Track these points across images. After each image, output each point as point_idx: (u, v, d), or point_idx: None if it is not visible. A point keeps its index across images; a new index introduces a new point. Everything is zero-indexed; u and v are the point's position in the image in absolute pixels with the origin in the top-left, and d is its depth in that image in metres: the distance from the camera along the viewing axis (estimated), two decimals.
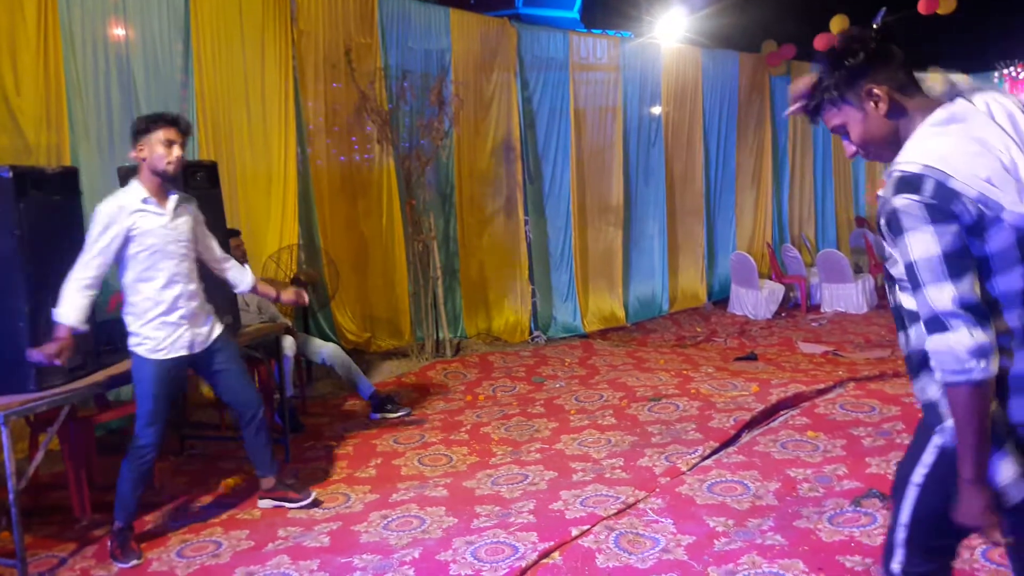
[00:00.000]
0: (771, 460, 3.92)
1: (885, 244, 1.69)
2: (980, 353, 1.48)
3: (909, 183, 1.52)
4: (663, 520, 3.33)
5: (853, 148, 1.76)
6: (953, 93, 1.65)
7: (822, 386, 5.10)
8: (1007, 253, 1.53)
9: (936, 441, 1.69)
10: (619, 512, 3.42)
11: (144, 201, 3.28)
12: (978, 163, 1.52)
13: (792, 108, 1.84)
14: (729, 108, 10.18)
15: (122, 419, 4.81)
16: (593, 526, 3.29)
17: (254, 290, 3.74)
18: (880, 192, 1.68)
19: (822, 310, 9.04)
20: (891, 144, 1.67)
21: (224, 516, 3.77)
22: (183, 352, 3.39)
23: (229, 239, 4.81)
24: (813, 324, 8.32)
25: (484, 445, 4.57)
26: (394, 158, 6.83)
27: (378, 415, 5.19)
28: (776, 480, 3.66)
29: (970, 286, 1.50)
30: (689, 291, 9.67)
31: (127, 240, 3.24)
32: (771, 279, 9.47)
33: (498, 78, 7.62)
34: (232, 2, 5.77)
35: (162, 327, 3.33)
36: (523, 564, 2.99)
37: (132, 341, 3.36)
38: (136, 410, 3.37)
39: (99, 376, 3.65)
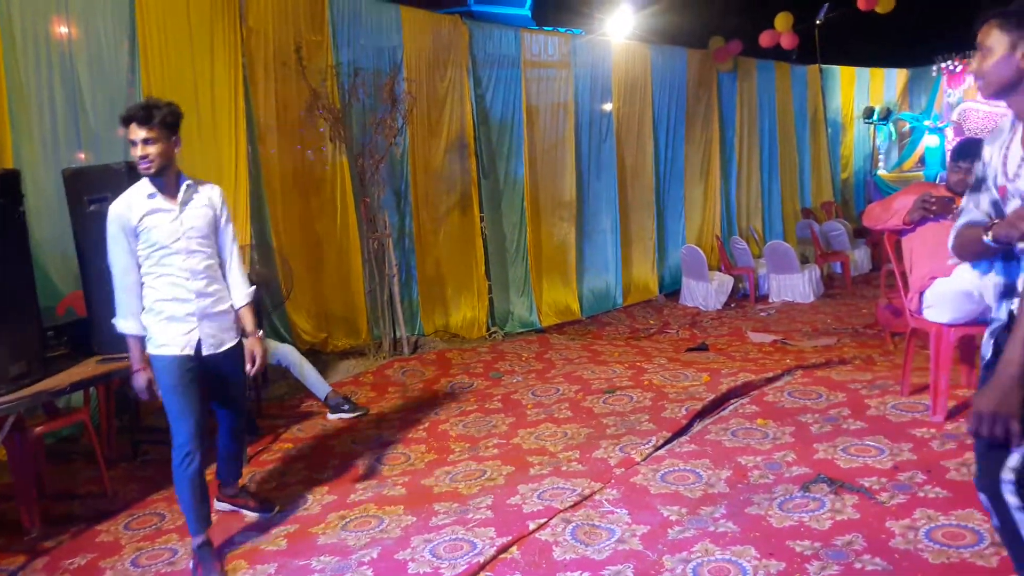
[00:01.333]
0: (722, 448, 4.01)
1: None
2: None
3: None
4: (618, 511, 3.40)
5: (975, 66, 2.02)
6: None
7: (770, 374, 5.24)
8: None
9: None
10: (575, 504, 3.48)
11: (150, 196, 3.17)
12: None
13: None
14: (678, 103, 10.33)
15: (73, 427, 4.74)
16: (550, 519, 3.35)
17: (239, 311, 3.42)
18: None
19: (770, 300, 9.24)
20: (1005, 89, 1.98)
21: (180, 522, 3.74)
22: (189, 351, 3.21)
23: None
24: (762, 314, 8.51)
25: (442, 442, 4.60)
26: (347, 156, 6.80)
27: (335, 415, 5.18)
28: (727, 468, 3.75)
29: None
30: (641, 284, 9.81)
31: (137, 237, 3.15)
32: (720, 271, 9.66)
33: (451, 75, 7.63)
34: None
35: (169, 323, 3.19)
36: (481, 560, 3.03)
37: (148, 337, 3.23)
38: (166, 412, 3.24)
39: (46, 384, 3.59)
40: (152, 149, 3.09)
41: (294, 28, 6.44)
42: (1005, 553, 2.70)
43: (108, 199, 3.99)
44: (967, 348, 4.59)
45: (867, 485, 3.37)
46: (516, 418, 4.92)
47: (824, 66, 13.54)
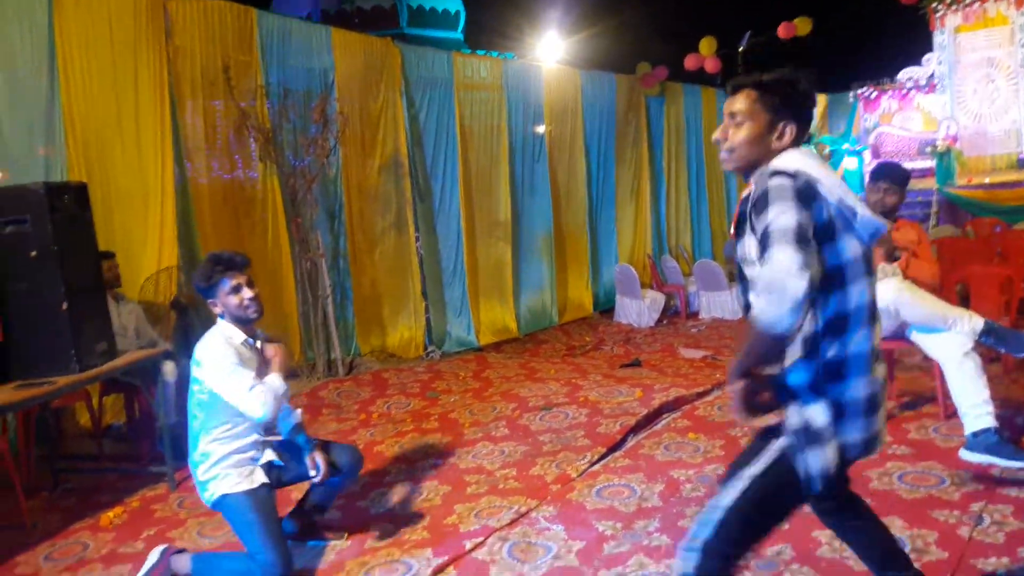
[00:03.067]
0: (655, 463, 4.09)
1: (741, 242, 1.86)
2: (794, 308, 1.63)
3: (785, 174, 1.75)
4: (554, 527, 3.42)
5: (723, 136, 1.93)
6: None
7: (701, 389, 5.36)
8: (856, 265, 1.75)
9: (778, 444, 1.86)
10: (512, 522, 3.49)
11: (245, 343, 3.11)
12: (838, 182, 1.81)
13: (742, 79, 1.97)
14: (608, 127, 10.54)
15: None
16: (487, 538, 3.35)
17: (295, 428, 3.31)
18: (745, 193, 1.85)
19: (700, 316, 9.45)
20: (755, 162, 1.89)
21: (104, 551, 3.61)
22: (264, 480, 3.10)
23: (101, 262, 4.62)
24: (692, 330, 8.69)
25: (378, 464, 4.55)
26: (278, 176, 6.72)
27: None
28: (660, 482, 3.82)
29: (812, 259, 1.65)
30: (576, 301, 9.92)
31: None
32: (652, 288, 9.83)
33: (384, 96, 7.63)
34: (101, 18, 5.54)
35: (241, 465, 3.07)
36: None
37: (210, 488, 3.04)
38: (248, 549, 2.96)
39: None
40: (255, 291, 3.12)
41: (222, 47, 6.35)
42: (926, 559, 2.84)
43: (26, 221, 3.88)
44: (885, 361, 4.78)
45: None
46: (453, 437, 4.90)
47: None
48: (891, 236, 4.22)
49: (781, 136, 1.86)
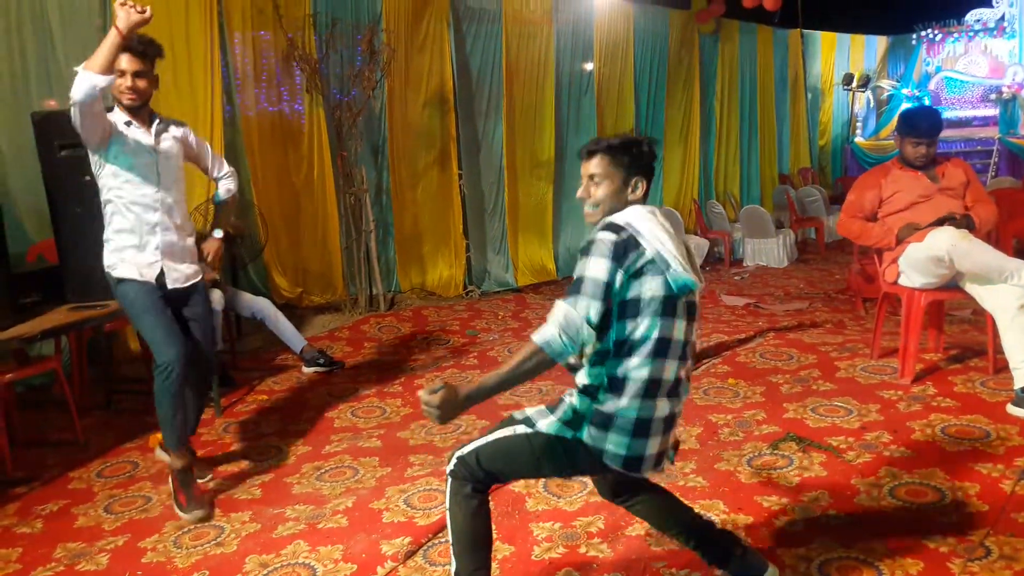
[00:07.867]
0: (694, 406, 4.08)
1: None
2: (576, 345, 1.98)
3: (613, 228, 2.04)
4: None
5: (586, 195, 2.19)
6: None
7: (743, 336, 5.30)
8: (652, 303, 2.01)
9: (557, 428, 2.10)
10: None
11: (127, 124, 3.11)
12: (664, 238, 2.04)
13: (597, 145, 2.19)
14: (659, 64, 10.25)
15: (44, 375, 4.70)
16: None
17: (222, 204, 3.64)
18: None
19: (744, 264, 9.31)
20: (609, 212, 2.14)
21: (153, 471, 3.75)
22: (152, 281, 3.17)
23: None
24: (736, 277, 8.58)
25: (418, 396, 4.61)
26: (324, 108, 6.70)
27: (310, 369, 5.18)
28: (699, 425, 3.82)
29: (598, 310, 1.99)
30: None
31: (111, 138, 3.05)
32: (696, 234, 9.69)
33: (430, 28, 7.50)
34: None
35: (136, 253, 3.15)
36: None
37: (107, 264, 3.16)
38: (143, 337, 3.21)
39: (16, 330, 3.54)
40: (141, 83, 3.10)
41: None
42: (965, 510, 2.81)
43: (80, 145, 3.93)
44: (935, 313, 4.68)
45: (835, 444, 3.45)
46: None
47: (806, 31, 13.50)
48: (954, 217, 4.02)
49: (635, 189, 2.15)
